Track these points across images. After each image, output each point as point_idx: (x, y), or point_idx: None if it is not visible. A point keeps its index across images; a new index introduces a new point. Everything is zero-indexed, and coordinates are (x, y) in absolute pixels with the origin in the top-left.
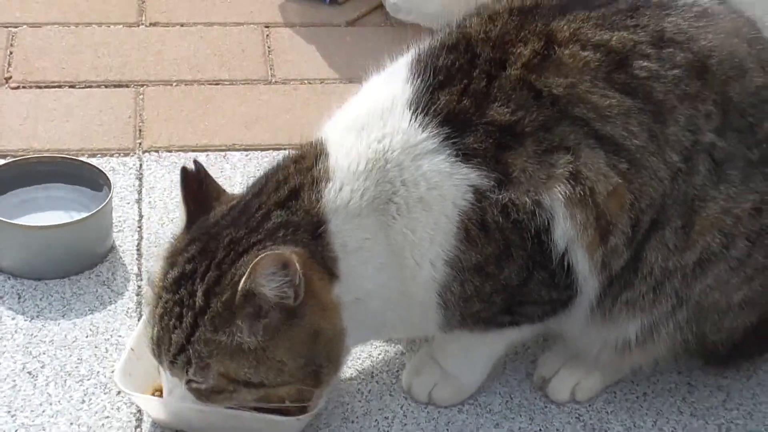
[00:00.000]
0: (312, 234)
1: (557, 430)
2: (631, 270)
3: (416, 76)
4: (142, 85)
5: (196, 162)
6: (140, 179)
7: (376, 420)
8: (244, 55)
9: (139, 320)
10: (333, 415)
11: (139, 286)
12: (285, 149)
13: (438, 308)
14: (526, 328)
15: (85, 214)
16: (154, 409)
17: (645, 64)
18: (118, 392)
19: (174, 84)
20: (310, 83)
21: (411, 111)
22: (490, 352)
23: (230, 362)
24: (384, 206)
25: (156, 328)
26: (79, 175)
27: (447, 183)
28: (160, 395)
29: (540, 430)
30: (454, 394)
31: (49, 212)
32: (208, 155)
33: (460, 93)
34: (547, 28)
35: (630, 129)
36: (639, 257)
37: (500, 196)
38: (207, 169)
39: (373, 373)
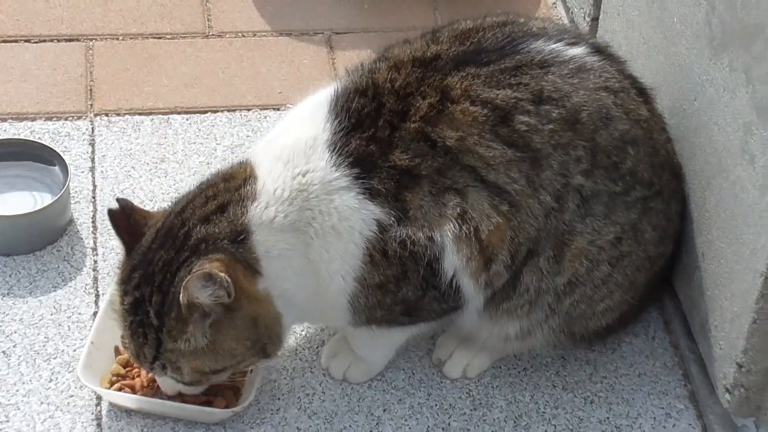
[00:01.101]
0: (233, 241)
1: (450, 405)
2: (510, 286)
3: (334, 117)
4: (92, 39)
5: (119, 199)
6: (93, 145)
7: (299, 397)
8: (183, 4)
9: (96, 297)
10: (262, 393)
11: (95, 261)
12: (221, 111)
13: (347, 311)
14: (423, 325)
15: (46, 194)
16: (114, 398)
17: (525, 119)
18: None
19: (120, 38)
20: (243, 36)
21: (329, 151)
22: (393, 341)
23: (196, 361)
24: (305, 228)
25: (131, 344)
26: (30, 152)
27: (355, 216)
28: (117, 379)
29: (436, 404)
30: (365, 373)
31: (9, 194)
32: (152, 119)
33: (368, 139)
34: (443, 82)
35: (511, 176)
36: (517, 277)
37: (399, 231)
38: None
39: (297, 350)
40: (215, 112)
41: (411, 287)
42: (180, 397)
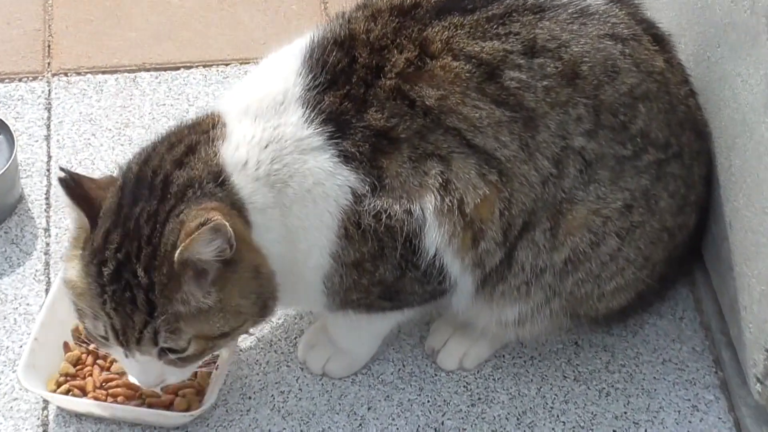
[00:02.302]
0: (216, 182)
1: (444, 400)
2: (505, 266)
3: (309, 71)
4: None
5: (62, 168)
6: (49, 110)
7: (272, 395)
8: None
9: (47, 286)
10: (231, 391)
11: (48, 244)
12: (195, 67)
13: (321, 293)
14: (408, 311)
15: None
16: (60, 402)
17: (516, 75)
18: None
19: None
20: None
21: (301, 107)
22: (376, 330)
23: (201, 324)
24: (282, 186)
25: (114, 321)
26: None
27: (330, 182)
28: (65, 380)
29: (428, 401)
30: (347, 366)
31: None
32: (117, 78)
33: (343, 96)
34: (422, 34)
35: (501, 139)
36: (512, 255)
37: (374, 202)
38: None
39: (272, 341)
40: (189, 68)
41: (389, 266)
42: (140, 400)
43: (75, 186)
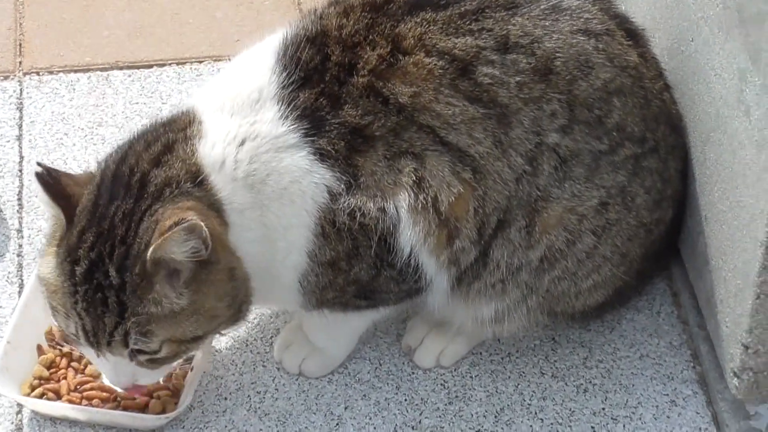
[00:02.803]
0: (194, 182)
1: (422, 399)
2: (480, 264)
3: (282, 68)
4: None
5: (40, 163)
6: (20, 110)
7: (249, 395)
8: None
9: (20, 288)
10: (207, 392)
11: (20, 246)
12: (168, 65)
13: (297, 292)
14: (384, 309)
15: None
16: (34, 405)
17: (489, 71)
18: None
19: None
20: None
21: (276, 104)
22: (353, 329)
23: (174, 327)
24: (260, 186)
25: (84, 321)
26: None
27: (306, 180)
28: (39, 383)
29: (405, 399)
30: (323, 365)
31: None
32: (89, 77)
33: (318, 93)
34: (394, 30)
35: (474, 136)
36: (487, 253)
37: (348, 201)
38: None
39: (247, 341)
40: (162, 65)
41: (363, 265)
42: (115, 403)
43: (52, 182)
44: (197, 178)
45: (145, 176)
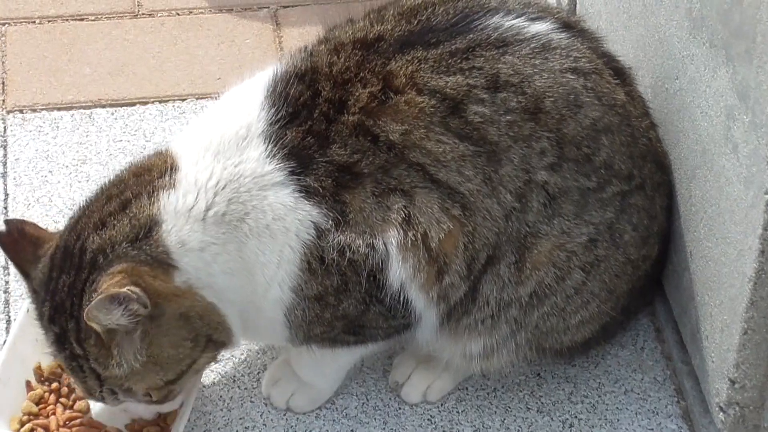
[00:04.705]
0: (133, 239)
1: None
2: (469, 299)
3: (270, 105)
4: (4, 23)
5: (7, 221)
6: (5, 147)
7: (237, 430)
8: None
9: (7, 324)
10: (195, 428)
11: (7, 282)
12: (151, 102)
13: (284, 326)
14: (372, 345)
15: None
16: None
17: (479, 109)
18: None
19: (37, 21)
20: (177, 14)
21: (263, 143)
22: (341, 364)
23: (143, 380)
24: (237, 223)
25: (76, 382)
26: None
27: (291, 216)
28: (28, 419)
29: None
30: (311, 401)
31: None
32: (73, 115)
33: (306, 131)
34: (385, 68)
35: (464, 173)
36: (476, 289)
37: (337, 237)
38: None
39: (235, 377)
40: (145, 103)
41: (352, 301)
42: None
43: (12, 240)
44: (140, 233)
45: (84, 244)
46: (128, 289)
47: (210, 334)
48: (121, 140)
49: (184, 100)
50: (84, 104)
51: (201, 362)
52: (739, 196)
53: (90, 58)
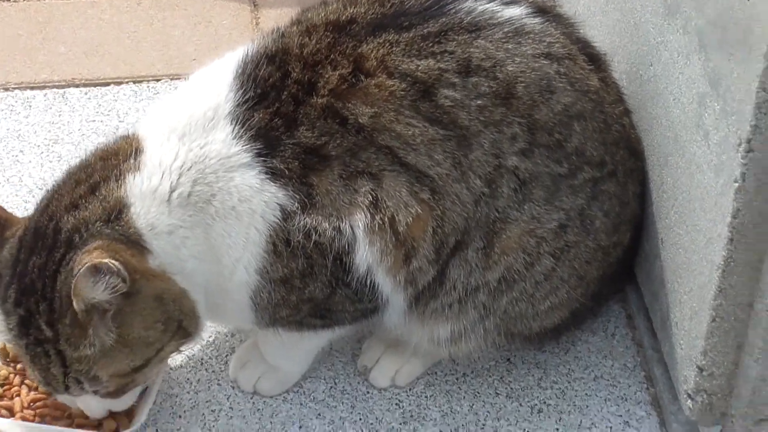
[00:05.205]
0: (106, 219)
1: (377, 418)
2: (437, 283)
3: (239, 86)
4: None
5: None
6: None
7: (203, 414)
8: None
9: None
10: (161, 410)
11: None
12: (125, 83)
13: (250, 309)
14: (340, 329)
15: None
16: None
17: (450, 93)
18: None
19: (12, 0)
20: None
21: (230, 124)
22: (308, 348)
23: (110, 363)
24: (204, 205)
25: (36, 371)
26: None
27: (257, 198)
28: None
29: (360, 418)
30: (278, 384)
31: None
32: (46, 94)
33: (273, 113)
34: (356, 50)
35: (434, 157)
36: (444, 273)
37: (303, 220)
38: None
39: (203, 359)
40: (119, 83)
41: (318, 284)
42: (68, 420)
43: None
44: (112, 214)
45: (58, 224)
46: (110, 261)
47: (181, 320)
48: (94, 120)
49: (158, 80)
50: (57, 83)
51: (167, 350)
52: (709, 184)
53: (65, 38)
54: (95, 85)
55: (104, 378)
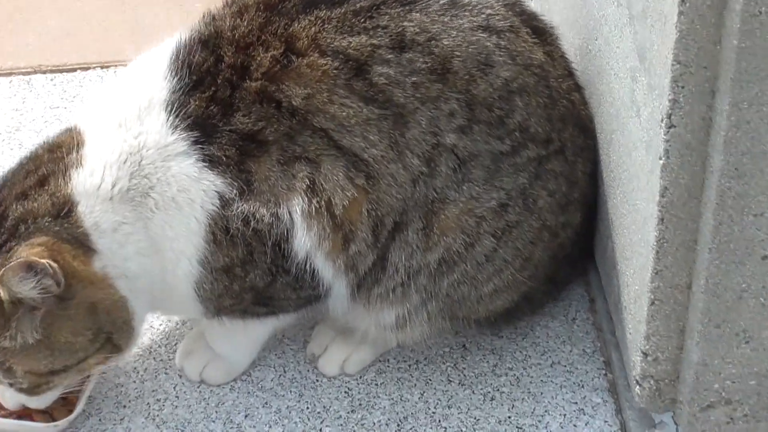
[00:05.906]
0: (55, 216)
1: (324, 407)
2: (379, 268)
3: (174, 73)
4: None
5: None
6: None
7: (148, 403)
8: None
9: None
10: (106, 399)
11: None
12: (92, 68)
13: (194, 300)
14: (286, 316)
15: None
16: None
17: (384, 70)
18: None
19: None
20: None
21: (165, 112)
22: (254, 336)
23: (28, 360)
24: (141, 199)
25: None
26: None
27: (195, 187)
28: None
29: (308, 407)
30: (225, 373)
31: None
32: (11, 81)
33: (209, 99)
34: (288, 30)
35: (369, 138)
36: (385, 257)
37: (242, 206)
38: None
39: (151, 348)
40: (86, 69)
41: (258, 272)
42: (5, 410)
43: None
44: (61, 211)
45: (6, 210)
46: (47, 262)
47: (111, 333)
48: (58, 107)
49: (125, 65)
50: (23, 70)
51: (90, 362)
52: (643, 161)
53: (34, 26)
54: (61, 71)
55: (19, 373)
